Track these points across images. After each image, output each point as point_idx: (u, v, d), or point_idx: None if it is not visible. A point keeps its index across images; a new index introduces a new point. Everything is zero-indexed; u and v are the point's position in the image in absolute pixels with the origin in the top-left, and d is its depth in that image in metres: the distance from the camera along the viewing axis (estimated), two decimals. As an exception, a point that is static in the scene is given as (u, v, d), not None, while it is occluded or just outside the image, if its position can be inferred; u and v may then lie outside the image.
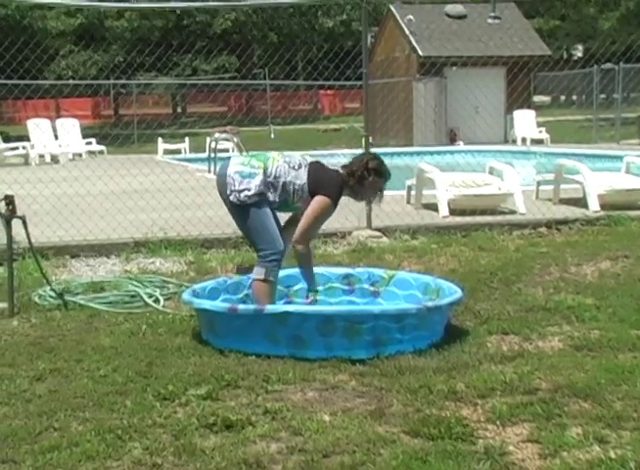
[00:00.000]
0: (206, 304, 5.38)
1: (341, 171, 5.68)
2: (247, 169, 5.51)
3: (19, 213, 6.38)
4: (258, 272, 5.54)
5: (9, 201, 6.32)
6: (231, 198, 5.51)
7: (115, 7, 25.86)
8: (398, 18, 29.42)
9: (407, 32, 28.97)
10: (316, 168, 5.64)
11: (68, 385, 4.65)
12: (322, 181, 5.55)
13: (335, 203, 5.57)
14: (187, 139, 26.07)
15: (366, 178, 5.62)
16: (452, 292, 5.61)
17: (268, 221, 5.52)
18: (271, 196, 5.51)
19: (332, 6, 43.64)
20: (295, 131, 31.75)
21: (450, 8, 29.78)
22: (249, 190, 5.46)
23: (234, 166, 5.56)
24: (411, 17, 28.77)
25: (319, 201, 5.49)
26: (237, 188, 5.48)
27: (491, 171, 11.29)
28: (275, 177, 5.50)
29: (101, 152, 24.53)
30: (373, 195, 5.80)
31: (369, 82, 9.92)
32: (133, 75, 36.06)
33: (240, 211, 5.54)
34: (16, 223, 6.38)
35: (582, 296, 6.40)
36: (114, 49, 42.31)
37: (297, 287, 6.06)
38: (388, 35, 30.77)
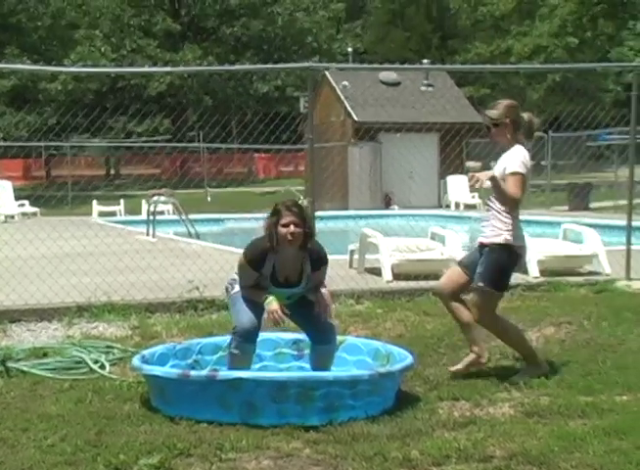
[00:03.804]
0: (157, 370, 5.30)
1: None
2: None
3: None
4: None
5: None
6: None
7: (49, 70, 25.79)
8: (334, 83, 29.82)
9: (342, 98, 29.36)
10: None
11: (14, 455, 4.51)
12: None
13: (249, 262, 5.58)
14: (122, 201, 25.91)
15: (270, 228, 5.56)
16: (403, 357, 5.62)
17: (238, 303, 5.66)
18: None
19: (267, 72, 44.07)
20: (231, 194, 31.77)
21: (384, 75, 30.25)
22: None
23: None
24: (346, 83, 29.20)
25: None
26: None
27: (433, 237, 11.39)
28: None
29: (34, 214, 24.22)
30: (283, 236, 5.51)
31: (302, 146, 9.98)
32: (66, 138, 35.83)
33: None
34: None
35: (529, 361, 6.44)
36: (47, 111, 42.08)
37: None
38: (323, 101, 31.12)
